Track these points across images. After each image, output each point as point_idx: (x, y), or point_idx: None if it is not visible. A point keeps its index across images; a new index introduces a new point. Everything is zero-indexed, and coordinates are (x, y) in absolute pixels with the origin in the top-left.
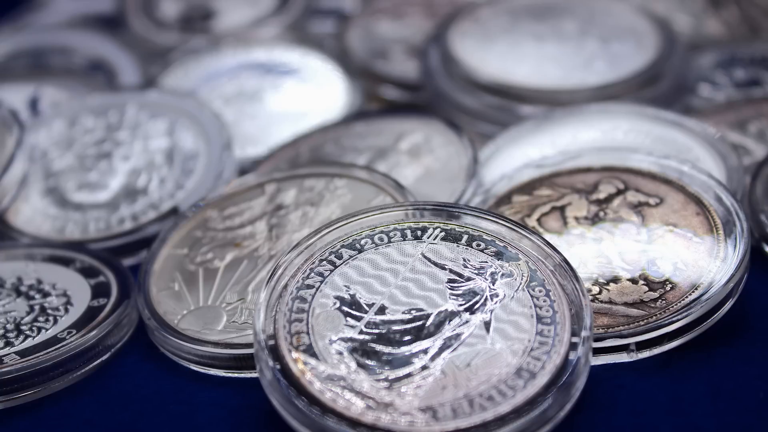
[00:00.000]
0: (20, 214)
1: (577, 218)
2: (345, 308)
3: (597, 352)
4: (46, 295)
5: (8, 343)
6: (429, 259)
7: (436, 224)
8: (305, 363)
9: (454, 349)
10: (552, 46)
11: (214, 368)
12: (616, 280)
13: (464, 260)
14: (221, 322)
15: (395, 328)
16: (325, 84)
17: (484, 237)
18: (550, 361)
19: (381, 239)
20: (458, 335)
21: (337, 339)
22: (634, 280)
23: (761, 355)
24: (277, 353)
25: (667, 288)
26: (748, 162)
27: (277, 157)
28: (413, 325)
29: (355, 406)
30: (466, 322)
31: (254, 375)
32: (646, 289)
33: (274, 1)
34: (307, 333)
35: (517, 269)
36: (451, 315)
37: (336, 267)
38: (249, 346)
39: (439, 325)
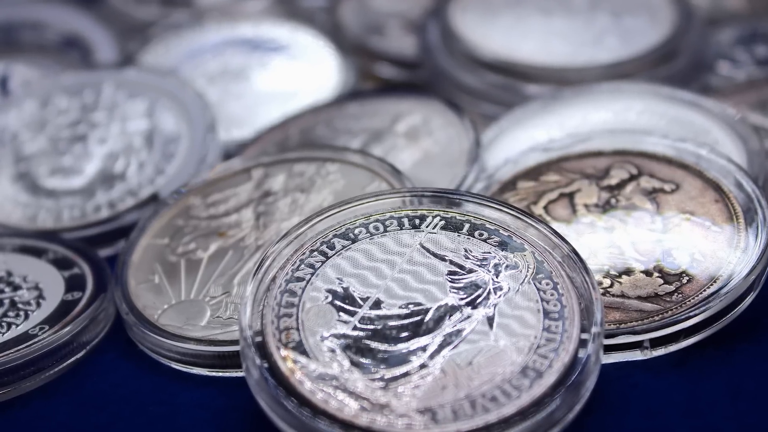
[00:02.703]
0: None
1: (586, 206)
2: (338, 302)
3: (608, 349)
4: (16, 288)
5: None
6: (428, 250)
7: (436, 212)
8: (295, 361)
9: (455, 346)
10: (560, 21)
11: (197, 367)
12: (628, 272)
13: (466, 251)
14: (205, 318)
15: (391, 323)
16: (317, 61)
17: (487, 226)
18: (558, 359)
19: (376, 228)
20: (459, 331)
21: (329, 335)
22: (648, 272)
23: None
24: (264, 351)
25: (684, 281)
26: None
27: (264, 140)
28: (411, 320)
29: (348, 408)
30: (468, 317)
31: (240, 374)
32: (661, 281)
33: None
34: (297, 329)
35: (523, 260)
36: (452, 310)
37: (328, 258)
38: (234, 343)
39: (438, 321)
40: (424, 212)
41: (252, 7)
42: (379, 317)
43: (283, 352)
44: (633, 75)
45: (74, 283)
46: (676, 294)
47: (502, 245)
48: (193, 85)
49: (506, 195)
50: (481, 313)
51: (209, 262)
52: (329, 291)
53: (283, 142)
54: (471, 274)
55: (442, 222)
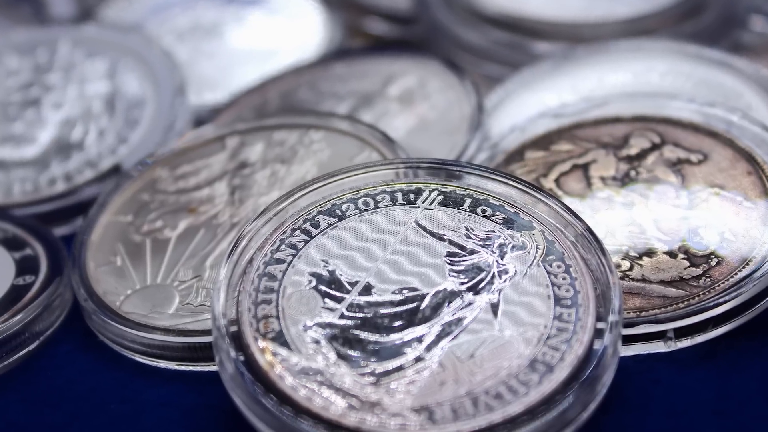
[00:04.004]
0: None
1: (603, 178)
2: (323, 287)
3: (627, 340)
4: None
5: None
6: (424, 228)
7: (433, 186)
8: (274, 354)
9: (455, 336)
10: None
11: (164, 360)
12: (650, 253)
13: (467, 229)
14: (173, 305)
15: (383, 311)
16: (299, 16)
17: (491, 201)
18: (571, 352)
19: (366, 204)
20: (459, 320)
21: (313, 325)
22: (672, 254)
23: None
24: (240, 342)
25: (712, 263)
26: None
27: (240, 104)
28: (405, 307)
29: (334, 406)
30: (470, 304)
31: (213, 368)
32: (687, 264)
33: None
34: (277, 317)
35: (531, 240)
36: (451, 296)
37: (312, 237)
38: (207, 333)
39: (436, 308)
40: (420, 186)
41: None
42: (370, 304)
43: (262, 344)
44: (655, 31)
45: (26, 266)
46: (703, 278)
47: (508, 223)
48: (160, 42)
49: (512, 166)
50: (484, 299)
51: (178, 242)
52: (313, 275)
53: (261, 106)
54: (473, 256)
55: (441, 197)
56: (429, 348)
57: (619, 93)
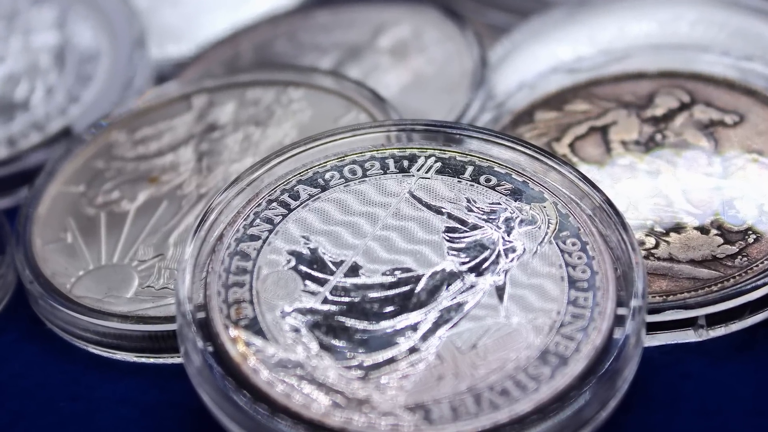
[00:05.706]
0: None
1: (625, 143)
2: (303, 268)
3: (653, 328)
4: None
5: None
6: (419, 200)
7: (430, 151)
8: (248, 344)
9: (455, 324)
10: None
11: (122, 351)
12: (678, 228)
13: (468, 201)
14: (131, 288)
15: (372, 295)
16: None
17: (496, 169)
18: (588, 342)
19: (353, 172)
20: (460, 305)
21: (293, 310)
22: (703, 229)
23: None
24: (209, 330)
25: (750, 240)
26: None
27: (208, 58)
28: (397, 291)
29: (316, 404)
30: (471, 287)
31: (177, 360)
32: (721, 241)
33: None
34: (251, 302)
35: (542, 214)
36: (451, 277)
37: (291, 211)
38: (170, 320)
39: (433, 292)
40: (415, 152)
41: None
42: (357, 287)
43: (233, 332)
44: None
45: None
46: (739, 257)
47: (516, 194)
48: None
49: (521, 129)
50: (488, 281)
51: (137, 215)
52: (292, 253)
53: (232, 60)
54: (475, 232)
55: (438, 164)
56: (425, 337)
57: (642, 45)
